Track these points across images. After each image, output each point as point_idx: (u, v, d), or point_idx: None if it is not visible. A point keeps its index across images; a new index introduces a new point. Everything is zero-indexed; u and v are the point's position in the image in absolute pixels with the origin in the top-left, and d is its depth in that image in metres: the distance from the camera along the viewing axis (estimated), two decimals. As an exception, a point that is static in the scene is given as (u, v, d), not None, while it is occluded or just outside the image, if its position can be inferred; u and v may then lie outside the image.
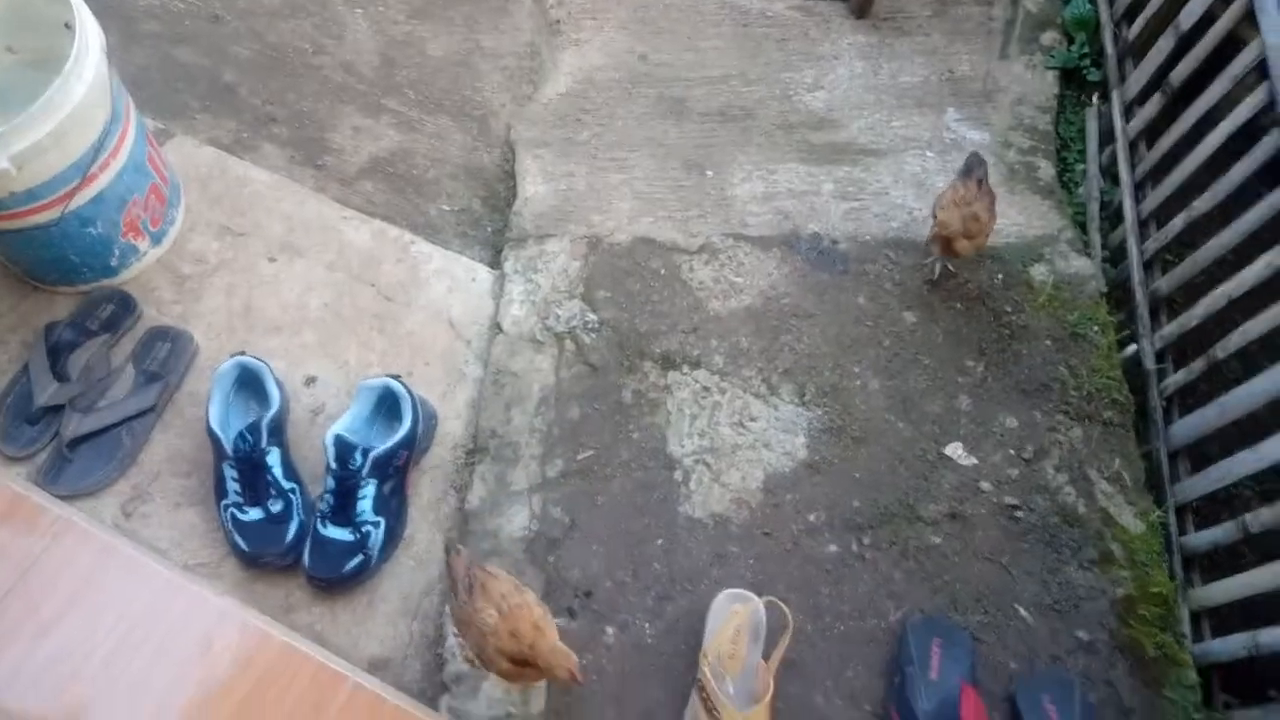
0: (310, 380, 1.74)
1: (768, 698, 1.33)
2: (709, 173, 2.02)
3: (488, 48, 2.28)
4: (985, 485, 1.62)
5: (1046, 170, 2.05)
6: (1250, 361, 1.60)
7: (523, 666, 1.25)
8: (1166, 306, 1.83)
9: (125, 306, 1.77)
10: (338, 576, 1.52)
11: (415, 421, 1.59)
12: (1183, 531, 1.65)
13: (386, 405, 1.64)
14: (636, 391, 1.70)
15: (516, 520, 1.57)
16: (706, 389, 1.71)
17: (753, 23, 2.32)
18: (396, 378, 1.62)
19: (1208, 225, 1.73)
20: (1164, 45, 1.95)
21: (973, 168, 1.75)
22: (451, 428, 1.71)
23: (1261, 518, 1.49)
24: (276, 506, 1.56)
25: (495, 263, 1.91)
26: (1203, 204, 1.77)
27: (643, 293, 1.82)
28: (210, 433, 1.57)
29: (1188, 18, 1.89)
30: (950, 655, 1.43)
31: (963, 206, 1.68)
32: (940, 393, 1.72)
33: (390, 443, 1.54)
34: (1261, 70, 1.66)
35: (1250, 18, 1.70)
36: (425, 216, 2.01)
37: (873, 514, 1.59)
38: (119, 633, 1.28)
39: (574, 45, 2.27)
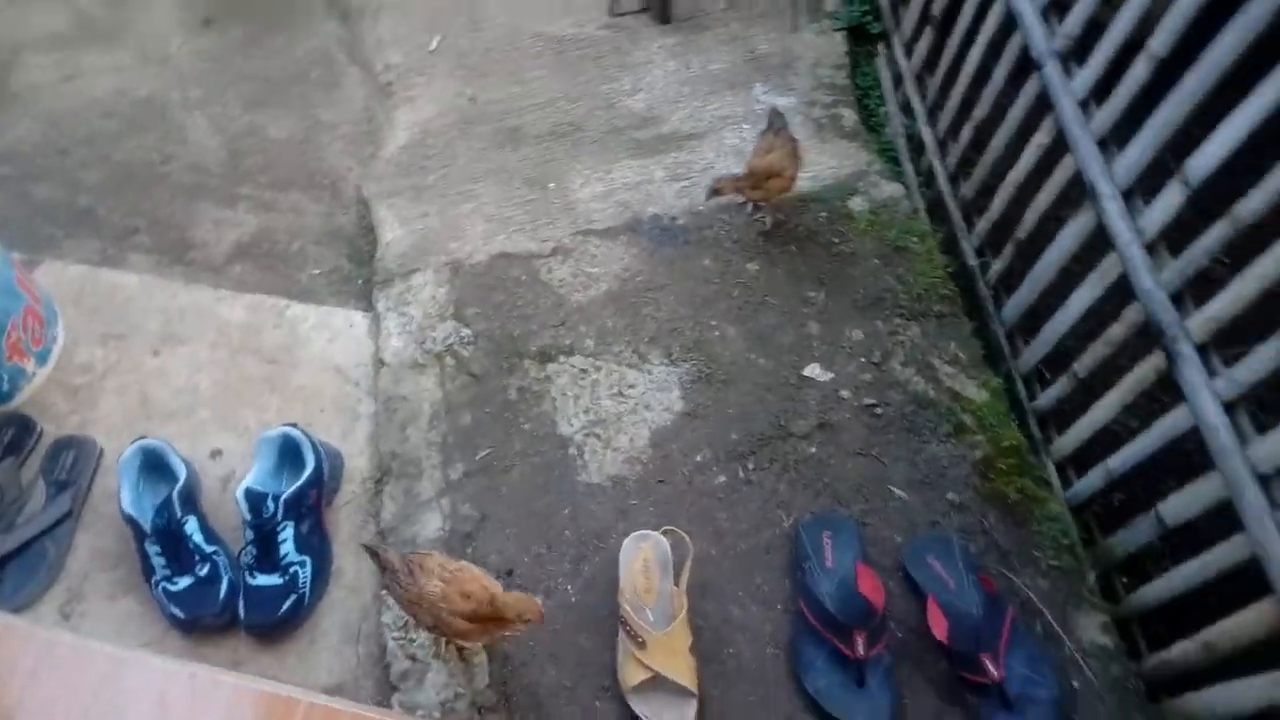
0: (216, 453, 1.82)
1: (683, 614, 1.45)
2: (551, 185, 2.18)
3: (326, 121, 2.42)
4: (845, 393, 1.78)
5: (850, 117, 2.26)
6: (1049, 235, 1.79)
7: (482, 622, 1.35)
8: (975, 208, 2.03)
9: (24, 428, 1.83)
10: (275, 620, 1.58)
11: (319, 460, 1.68)
12: (1032, 397, 1.83)
13: (290, 454, 1.72)
14: (520, 388, 1.82)
15: (430, 525, 1.67)
16: (584, 371, 1.84)
17: (568, 48, 2.50)
18: (294, 425, 1.71)
19: (990, 129, 1.94)
20: (922, -15, 2.19)
21: (772, 121, 1.93)
22: (358, 464, 1.80)
23: (1084, 363, 1.67)
24: (204, 570, 1.62)
25: (370, 308, 2.02)
26: (981, 111, 1.98)
27: (508, 301, 1.95)
28: (126, 518, 1.63)
29: (931, -42, 2.13)
30: (841, 542, 1.56)
31: (761, 156, 1.87)
32: (790, 325, 1.88)
33: (298, 484, 1.62)
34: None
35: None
36: (298, 285, 2.12)
37: (751, 442, 1.73)
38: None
39: (407, 102, 2.42)
